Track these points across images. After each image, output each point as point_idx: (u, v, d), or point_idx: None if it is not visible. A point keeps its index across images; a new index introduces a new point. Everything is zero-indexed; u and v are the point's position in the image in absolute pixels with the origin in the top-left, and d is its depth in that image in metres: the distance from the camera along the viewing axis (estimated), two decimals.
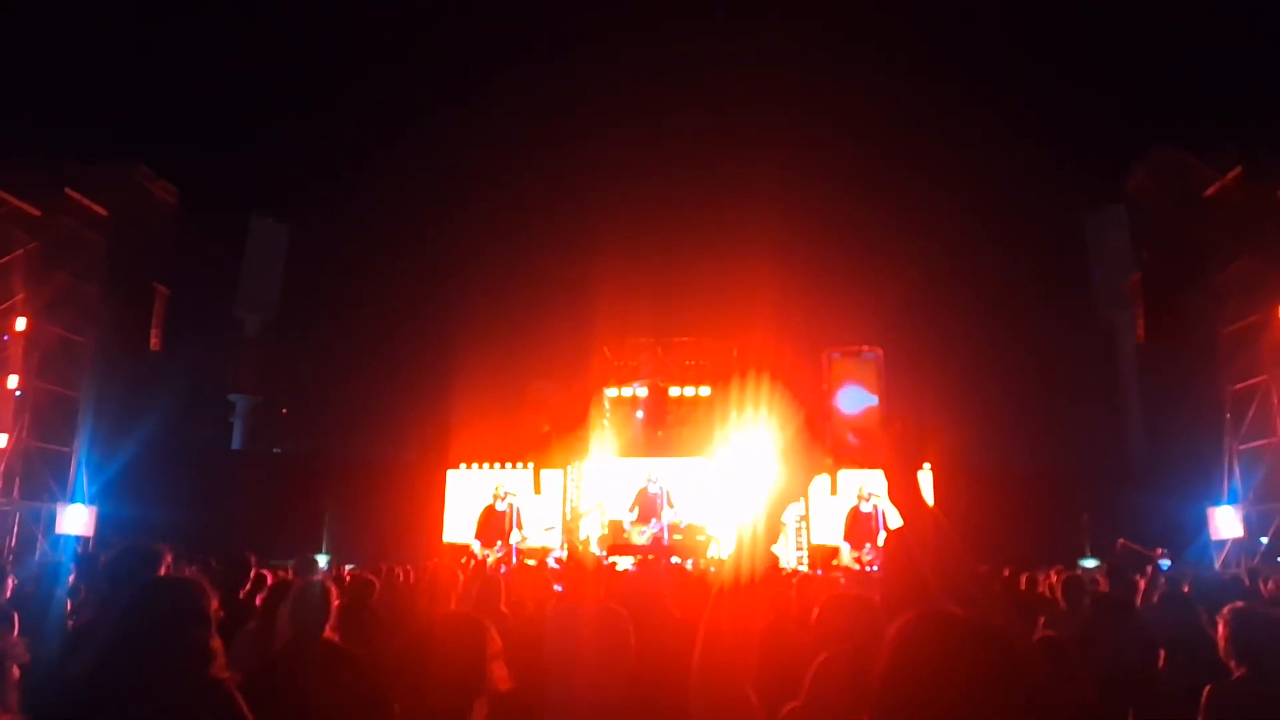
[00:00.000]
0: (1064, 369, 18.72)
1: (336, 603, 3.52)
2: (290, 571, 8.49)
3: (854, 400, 1.72)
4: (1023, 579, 7.79)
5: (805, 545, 15.77)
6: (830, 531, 15.48)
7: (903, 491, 1.62)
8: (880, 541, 13.10)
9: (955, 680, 1.02)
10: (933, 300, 17.36)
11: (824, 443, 1.63)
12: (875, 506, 13.62)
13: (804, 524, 16.10)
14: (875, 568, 12.23)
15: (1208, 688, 3.14)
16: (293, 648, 3.27)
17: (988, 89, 18.11)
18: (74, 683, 2.02)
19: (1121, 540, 10.06)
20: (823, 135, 17.77)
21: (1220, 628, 3.26)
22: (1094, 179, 19.28)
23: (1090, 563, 14.12)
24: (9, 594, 5.15)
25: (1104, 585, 5.79)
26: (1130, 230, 17.80)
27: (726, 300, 17.10)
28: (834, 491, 15.95)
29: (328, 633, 3.39)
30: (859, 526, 13.97)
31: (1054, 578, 7.86)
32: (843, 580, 8.12)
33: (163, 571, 3.30)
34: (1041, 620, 4.94)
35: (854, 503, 15.09)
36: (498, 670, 1.92)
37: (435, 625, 2.02)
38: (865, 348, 1.93)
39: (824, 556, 14.50)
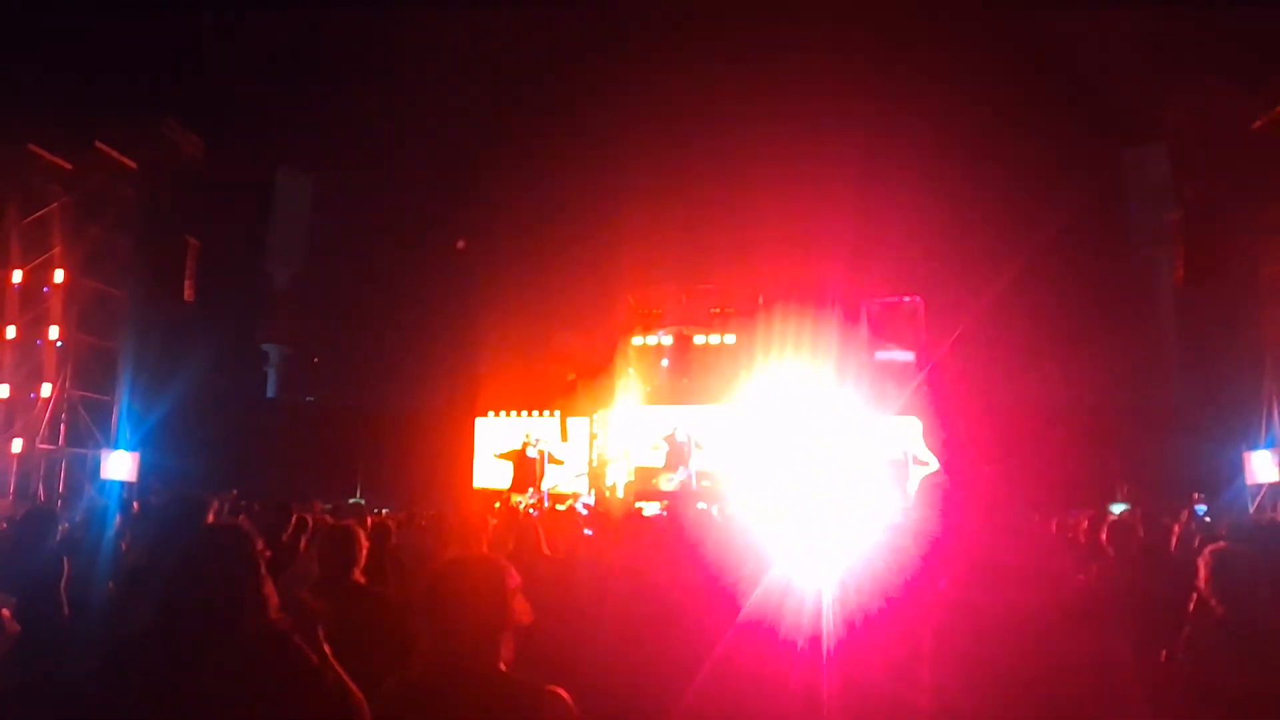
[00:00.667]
0: (1098, 309, 18.36)
1: (365, 545, 3.59)
2: (329, 516, 8.74)
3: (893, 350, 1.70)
4: (1053, 524, 7.77)
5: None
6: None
7: (948, 442, 1.61)
8: (910, 489, 13.13)
9: (1004, 626, 1.07)
10: (962, 238, 17.01)
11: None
12: (904, 453, 13.61)
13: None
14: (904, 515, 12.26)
15: (1186, 628, 3.16)
16: (319, 589, 3.28)
17: (1023, 18, 17.47)
18: (131, 635, 2.07)
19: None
20: (852, 70, 17.30)
21: (1201, 569, 3.26)
22: (1133, 113, 18.63)
23: (1119, 507, 14.05)
24: (59, 538, 5.30)
25: (1140, 530, 5.78)
26: (1171, 165, 17.26)
27: (751, 246, 16.92)
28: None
29: (355, 575, 3.46)
30: (894, 472, 13.98)
31: (1085, 523, 7.83)
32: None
33: (210, 519, 3.38)
34: (1095, 569, 4.94)
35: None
36: (519, 604, 1.97)
37: (455, 566, 2.07)
38: (904, 297, 1.91)
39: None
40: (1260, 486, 13.88)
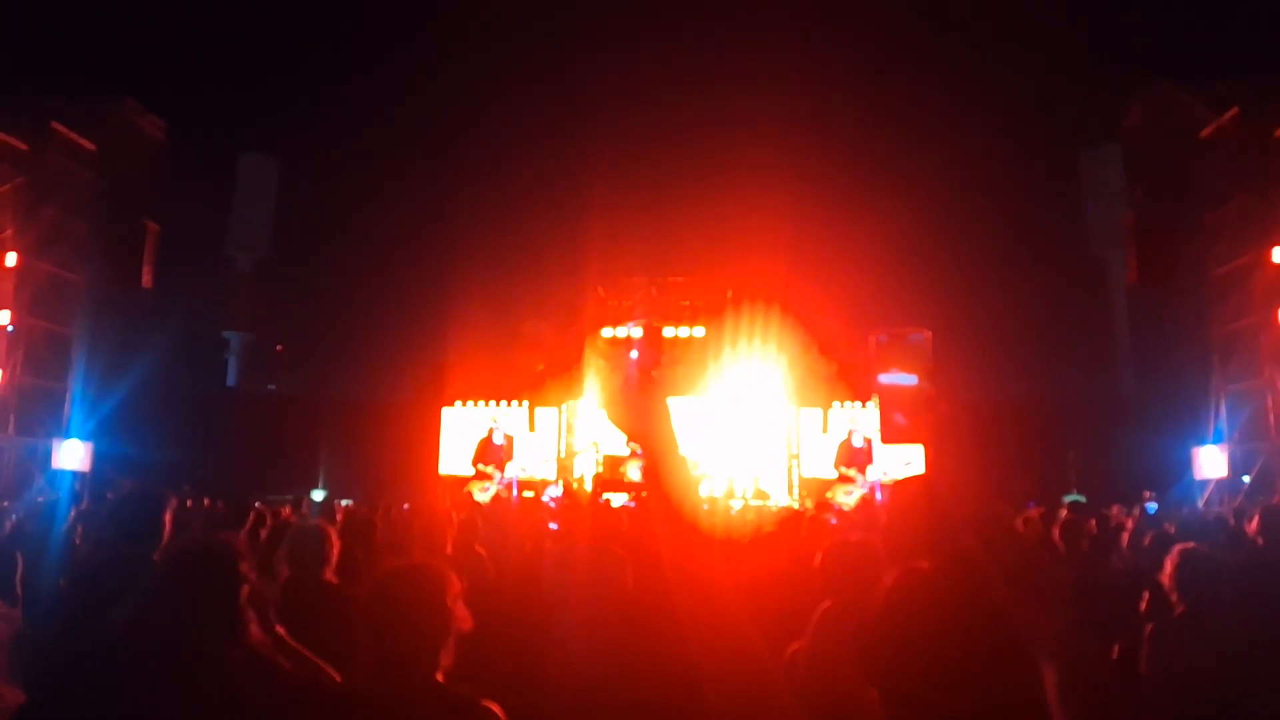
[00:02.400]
0: (1055, 307, 18.87)
1: (337, 545, 3.50)
2: (289, 509, 8.64)
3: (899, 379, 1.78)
4: (1020, 520, 7.95)
5: (797, 481, 16.11)
6: (822, 466, 15.81)
7: (939, 468, 1.68)
8: (869, 474, 13.38)
9: (930, 630, 1.12)
10: (922, 236, 17.31)
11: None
12: (866, 440, 13.87)
13: (795, 460, 16.41)
14: (863, 497, 12.50)
15: (1149, 625, 3.31)
16: (291, 590, 3.26)
17: (982, 24, 17.81)
18: (97, 639, 2.03)
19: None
20: (817, 70, 17.49)
21: (1168, 566, 3.41)
22: (1089, 116, 19.12)
23: (1072, 498, 14.44)
24: (8, 532, 5.15)
25: (1092, 528, 5.98)
26: (1125, 169, 17.72)
27: (721, 238, 17.07)
28: (825, 429, 16.26)
29: (327, 575, 3.40)
30: (852, 460, 14.24)
31: (1035, 516, 8.06)
32: (834, 521, 8.33)
33: (168, 516, 3.26)
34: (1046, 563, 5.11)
35: (844, 437, 15.38)
36: (460, 612, 1.96)
37: (396, 574, 2.06)
38: (911, 331, 2.01)
39: (816, 490, 14.84)
40: (1208, 481, 14.35)
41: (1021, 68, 18.33)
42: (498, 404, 17.46)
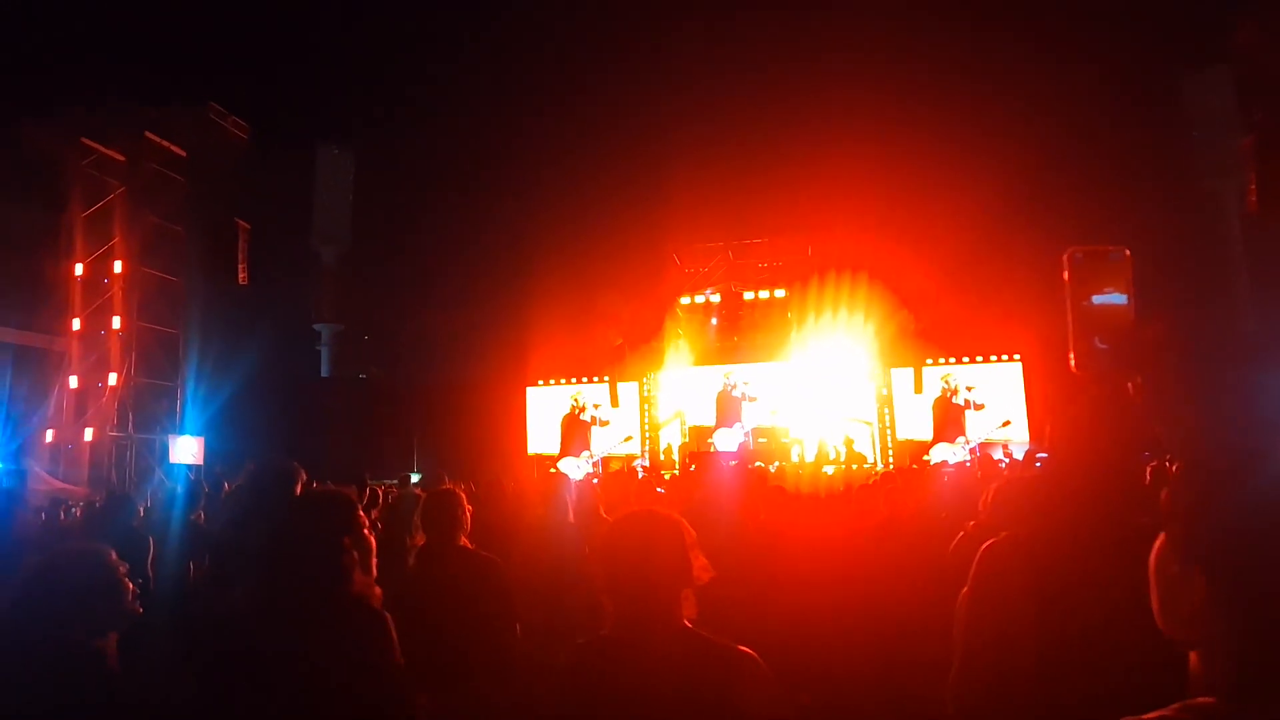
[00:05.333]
0: (1161, 243, 17.65)
1: (470, 510, 3.56)
2: (395, 489, 8.83)
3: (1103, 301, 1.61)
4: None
5: (890, 443, 15.61)
6: (915, 427, 15.28)
7: (1165, 397, 1.43)
8: (969, 433, 12.90)
9: None
10: (1015, 171, 16.34)
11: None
12: (966, 399, 13.36)
13: (889, 422, 15.91)
14: (968, 461, 12.06)
15: None
16: (430, 554, 3.33)
17: None
18: (230, 603, 2.08)
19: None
20: (893, 15, 16.75)
21: None
22: (1191, 38, 17.76)
23: None
24: (140, 520, 5.44)
25: None
26: (1238, 90, 16.46)
27: (799, 198, 16.57)
28: (918, 389, 15.65)
29: (462, 540, 3.45)
30: (949, 420, 13.74)
31: (1147, 472, 7.48)
32: (947, 477, 8.01)
33: (299, 489, 3.40)
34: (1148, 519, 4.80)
35: (938, 395, 14.83)
36: (699, 561, 1.85)
37: (633, 520, 1.91)
38: (1112, 247, 1.83)
39: (912, 452, 14.36)
40: None
41: None
42: (579, 381, 17.52)
